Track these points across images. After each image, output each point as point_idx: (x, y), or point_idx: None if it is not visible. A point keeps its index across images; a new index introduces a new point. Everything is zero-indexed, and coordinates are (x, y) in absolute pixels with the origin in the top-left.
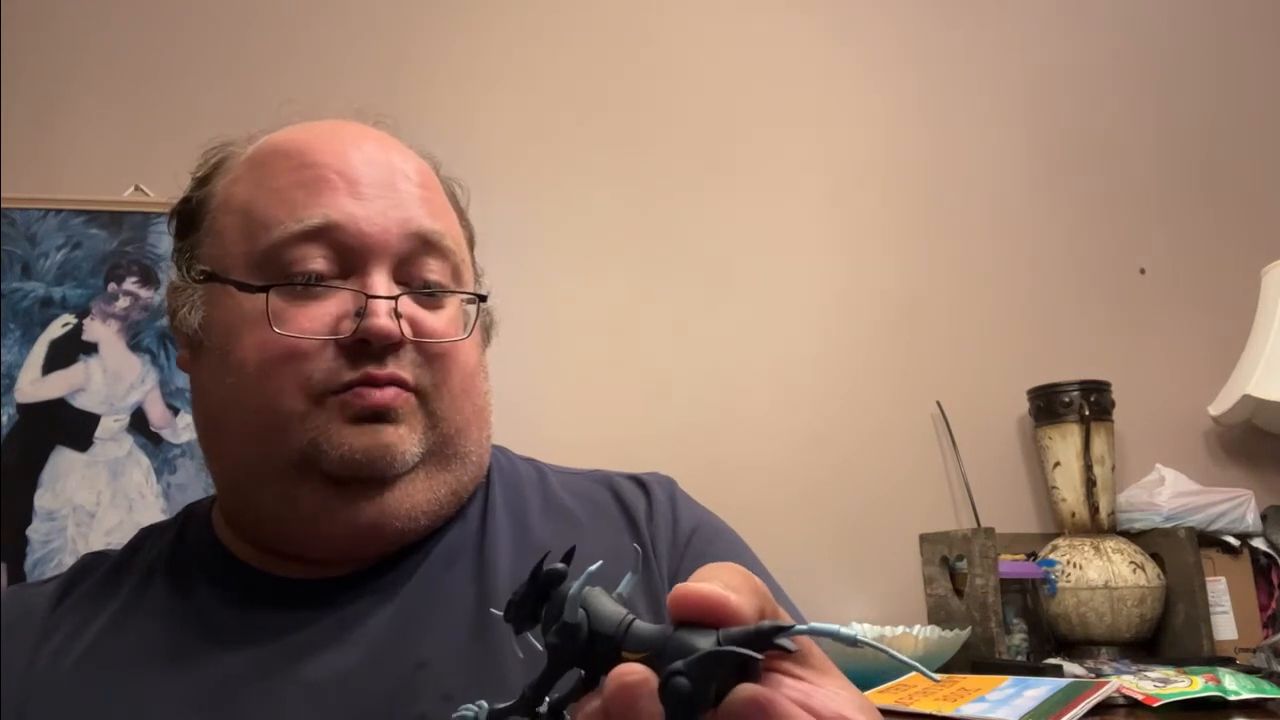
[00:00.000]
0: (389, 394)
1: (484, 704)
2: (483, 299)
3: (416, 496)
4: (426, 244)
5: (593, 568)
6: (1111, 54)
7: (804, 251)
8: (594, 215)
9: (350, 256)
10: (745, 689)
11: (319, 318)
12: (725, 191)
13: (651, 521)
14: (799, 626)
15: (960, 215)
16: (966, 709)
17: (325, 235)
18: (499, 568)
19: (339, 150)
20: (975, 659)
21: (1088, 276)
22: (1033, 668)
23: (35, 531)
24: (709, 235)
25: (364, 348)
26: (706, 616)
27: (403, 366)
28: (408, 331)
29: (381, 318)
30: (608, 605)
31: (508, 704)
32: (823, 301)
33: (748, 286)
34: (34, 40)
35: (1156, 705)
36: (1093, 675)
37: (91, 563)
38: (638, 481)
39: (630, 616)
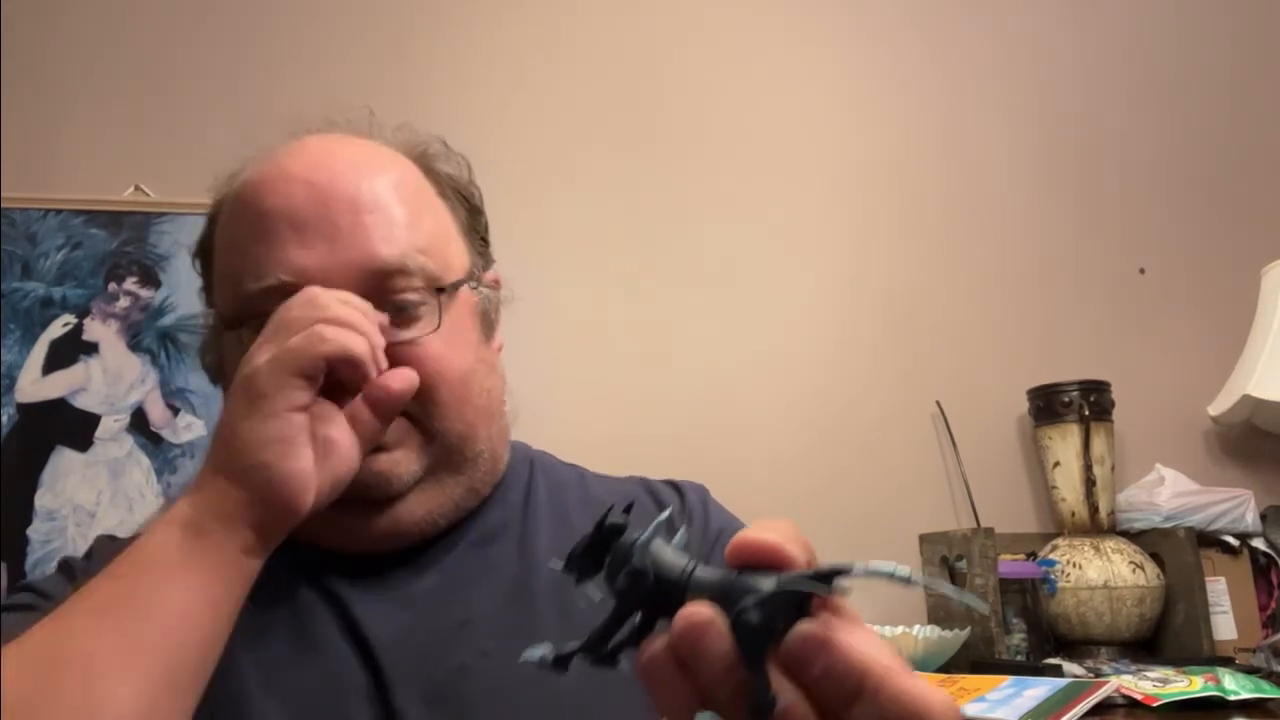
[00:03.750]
0: None
1: (549, 645)
2: (441, 290)
3: (429, 503)
4: (385, 274)
5: (662, 516)
6: (1113, 55)
7: (804, 252)
8: (594, 216)
9: None
10: (805, 625)
11: None
12: (726, 191)
13: (685, 513)
14: (857, 566)
15: (960, 215)
16: (966, 709)
17: (283, 290)
18: (539, 545)
19: (288, 192)
20: (975, 659)
21: (1088, 276)
22: (1032, 668)
23: (35, 531)
24: (709, 235)
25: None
26: (765, 562)
27: None
28: (382, 363)
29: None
30: (670, 553)
31: (574, 646)
32: (823, 301)
33: (748, 287)
34: (34, 40)
35: (1156, 705)
36: (1092, 675)
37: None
38: (672, 485)
39: (693, 563)
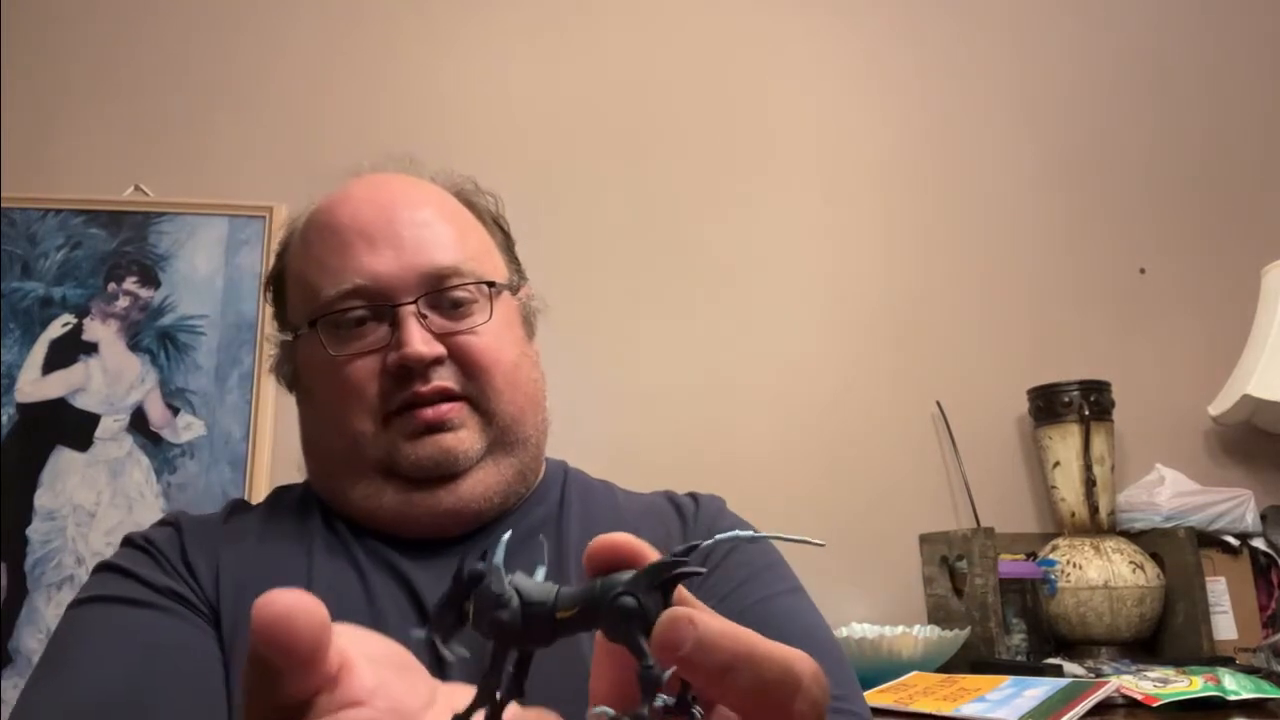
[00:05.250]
0: (443, 409)
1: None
2: (491, 285)
3: (488, 480)
4: (442, 276)
5: (505, 536)
6: (1112, 55)
7: (804, 252)
8: (595, 220)
9: (382, 301)
10: (671, 609)
11: (366, 346)
12: (725, 194)
13: (696, 519)
14: (705, 542)
15: (960, 215)
16: (966, 709)
17: (359, 292)
18: (571, 541)
19: (355, 212)
20: (975, 659)
21: (1087, 276)
22: (1032, 668)
23: (35, 531)
24: (709, 237)
25: (407, 371)
26: (623, 559)
27: (446, 379)
28: (439, 349)
29: (412, 345)
30: (533, 582)
31: (468, 707)
32: (823, 302)
33: (748, 288)
34: (34, 40)
35: (1156, 705)
36: (1092, 675)
37: (243, 504)
38: (692, 495)
39: (556, 585)
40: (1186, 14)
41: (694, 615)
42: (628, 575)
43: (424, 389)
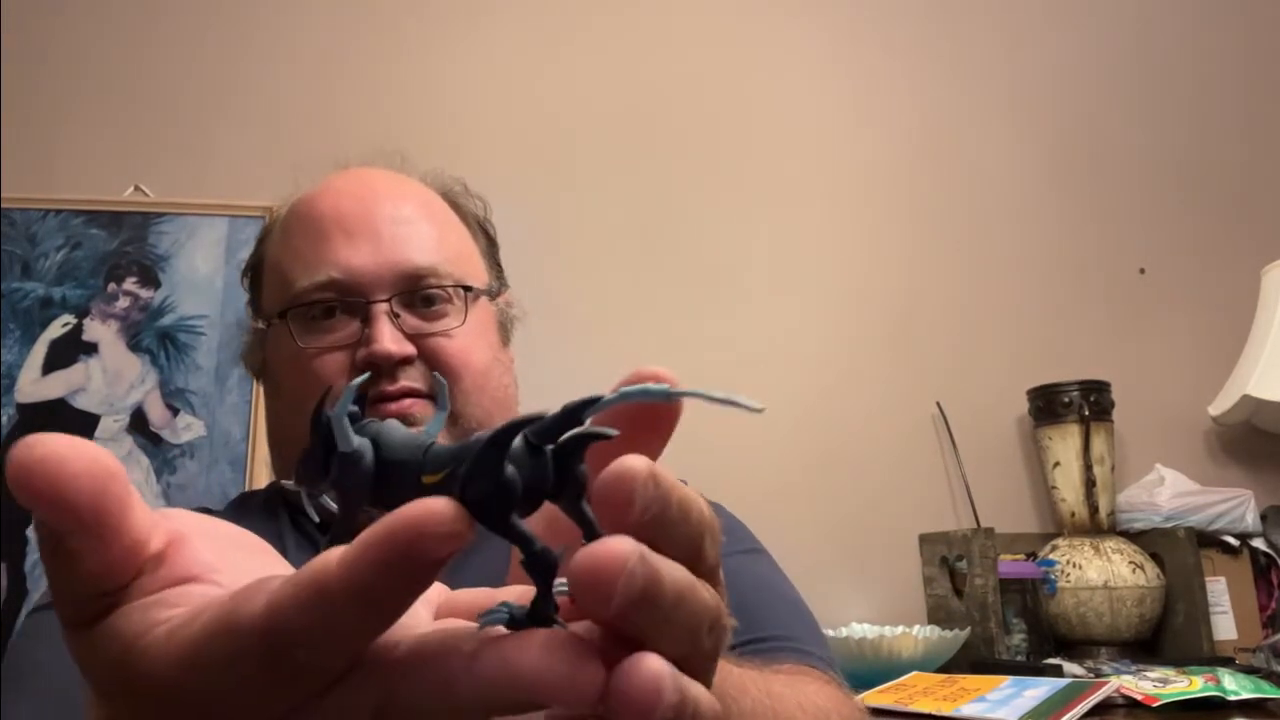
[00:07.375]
0: (405, 404)
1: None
2: (468, 290)
3: None
4: (418, 276)
5: (356, 381)
6: (1110, 54)
7: (803, 253)
8: (595, 220)
9: (355, 295)
10: (625, 461)
11: (336, 341)
12: (726, 194)
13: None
14: (607, 396)
15: (960, 215)
16: (966, 709)
17: (332, 285)
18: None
19: (336, 204)
20: (975, 659)
21: (1087, 276)
22: (1032, 668)
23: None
24: (709, 238)
25: (375, 369)
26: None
27: (414, 378)
28: (409, 349)
29: (381, 343)
30: (403, 432)
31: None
32: (822, 302)
33: (747, 288)
34: (34, 40)
35: (1156, 705)
36: (1092, 675)
37: (207, 510)
38: None
39: (431, 440)
40: (1185, 12)
41: (655, 468)
42: (508, 433)
43: (390, 388)
